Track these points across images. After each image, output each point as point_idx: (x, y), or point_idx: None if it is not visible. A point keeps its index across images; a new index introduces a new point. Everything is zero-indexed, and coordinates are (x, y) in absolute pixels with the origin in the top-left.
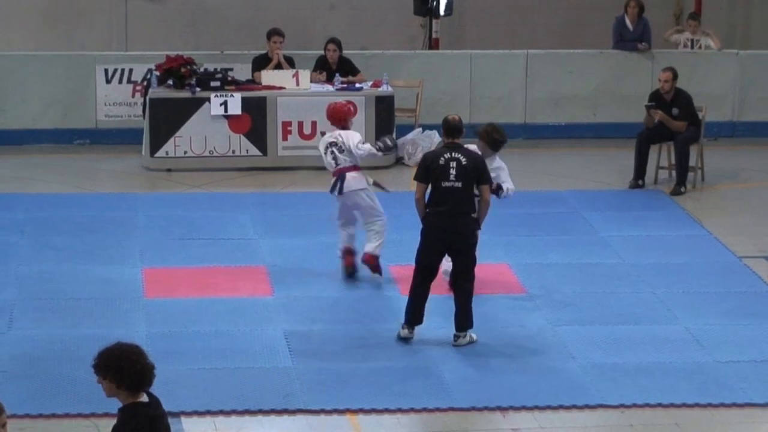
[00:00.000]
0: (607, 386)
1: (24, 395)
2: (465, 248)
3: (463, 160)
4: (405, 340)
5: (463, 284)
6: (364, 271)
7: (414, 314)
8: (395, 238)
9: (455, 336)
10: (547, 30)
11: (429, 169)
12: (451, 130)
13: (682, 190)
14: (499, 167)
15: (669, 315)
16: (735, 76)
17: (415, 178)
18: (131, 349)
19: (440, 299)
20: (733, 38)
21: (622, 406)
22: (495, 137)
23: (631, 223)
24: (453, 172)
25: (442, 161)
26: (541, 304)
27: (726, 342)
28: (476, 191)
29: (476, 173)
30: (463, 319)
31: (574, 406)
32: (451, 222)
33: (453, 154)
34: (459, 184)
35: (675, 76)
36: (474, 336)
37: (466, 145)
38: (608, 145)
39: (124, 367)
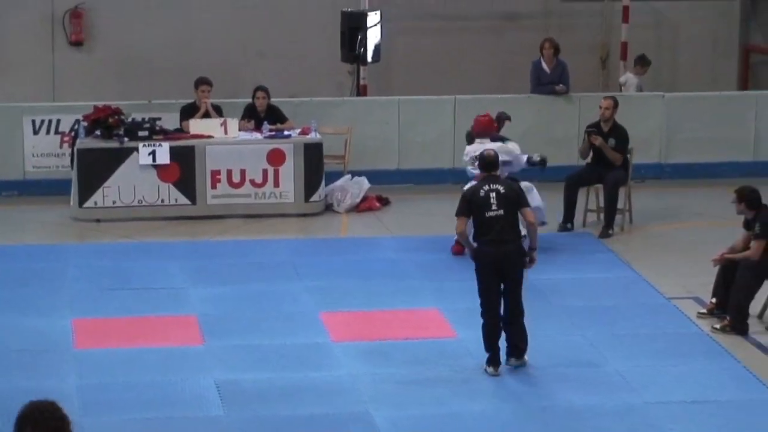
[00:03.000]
0: (537, 429)
1: None
2: (516, 276)
3: (502, 189)
4: (494, 376)
5: (518, 320)
6: (295, 321)
7: (495, 353)
8: (324, 285)
9: (513, 361)
10: (474, 74)
11: (471, 203)
12: (488, 164)
13: (611, 232)
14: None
15: (599, 357)
16: (661, 119)
17: (457, 214)
18: (44, 406)
19: (372, 345)
20: (660, 81)
21: None
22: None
23: (560, 265)
24: (494, 201)
25: (482, 193)
26: (472, 349)
27: (656, 383)
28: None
29: (516, 199)
30: (525, 346)
31: None
32: (501, 248)
33: (491, 185)
34: (501, 212)
35: (616, 104)
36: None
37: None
38: (537, 188)
39: (39, 425)
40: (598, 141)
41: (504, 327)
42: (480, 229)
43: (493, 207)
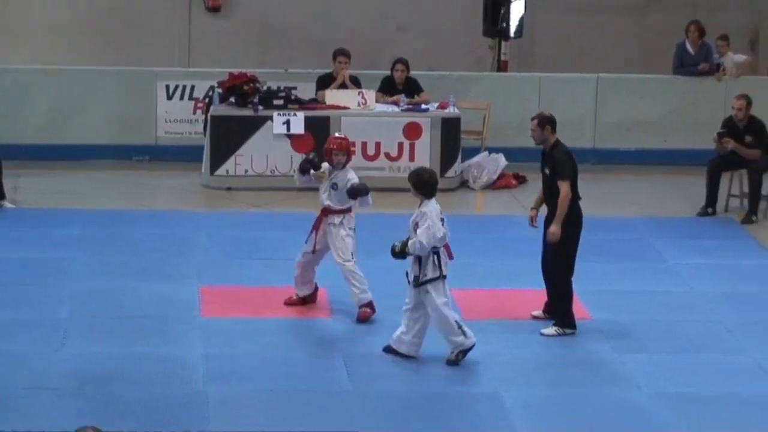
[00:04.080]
0: (674, 416)
1: (75, 414)
2: None
3: None
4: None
5: None
6: None
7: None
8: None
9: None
10: (617, 54)
11: (575, 167)
12: None
13: (754, 218)
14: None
15: (738, 345)
16: None
17: (567, 177)
18: None
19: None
20: None
21: None
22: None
23: (701, 251)
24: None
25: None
26: (607, 332)
27: None
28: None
29: None
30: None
31: None
32: None
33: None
34: None
35: (749, 103)
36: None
37: None
38: (679, 172)
39: None
40: (730, 145)
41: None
42: (576, 192)
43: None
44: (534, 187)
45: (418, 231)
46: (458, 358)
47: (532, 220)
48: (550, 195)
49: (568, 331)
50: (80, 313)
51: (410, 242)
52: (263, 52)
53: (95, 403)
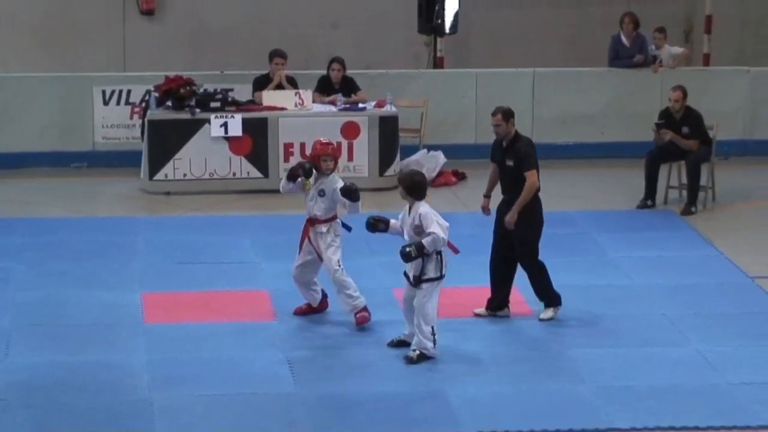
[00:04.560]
0: (618, 409)
1: (23, 424)
2: None
3: None
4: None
5: None
6: (369, 297)
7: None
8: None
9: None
10: (553, 48)
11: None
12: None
13: (693, 210)
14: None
15: (680, 337)
16: (746, 94)
17: (534, 168)
18: None
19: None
20: (744, 55)
21: (634, 429)
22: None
23: (641, 243)
24: None
25: None
26: (550, 326)
27: (739, 364)
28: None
29: None
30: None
31: (584, 430)
32: None
33: None
34: None
35: (685, 94)
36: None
37: None
38: (617, 165)
39: None
40: (668, 136)
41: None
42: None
43: None
44: (474, 184)
45: (431, 228)
46: (417, 360)
47: (485, 209)
48: (512, 185)
49: (559, 308)
50: (23, 322)
51: (426, 241)
52: (198, 54)
53: (42, 412)
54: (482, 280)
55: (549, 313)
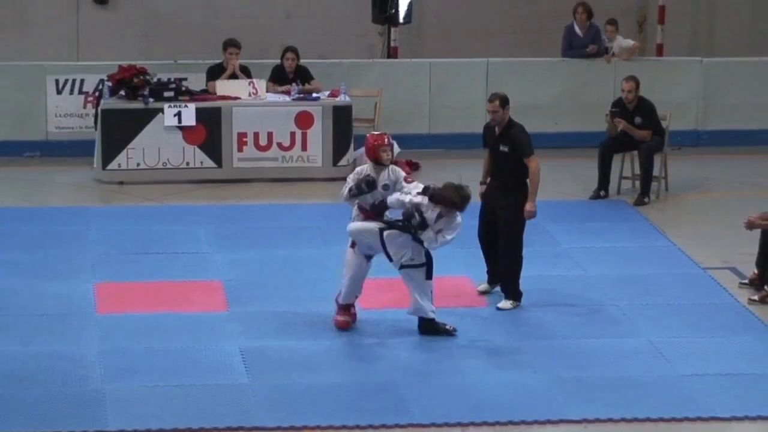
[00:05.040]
0: (570, 400)
1: None
2: None
3: None
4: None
5: None
6: (321, 287)
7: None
8: None
9: None
10: (507, 38)
11: None
12: None
13: (646, 200)
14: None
15: (632, 328)
16: (699, 84)
17: (533, 153)
18: None
19: (399, 313)
20: (697, 45)
21: (585, 420)
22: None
23: (594, 234)
24: None
25: None
26: (503, 317)
27: (690, 355)
28: None
29: None
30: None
31: (536, 421)
32: None
33: None
34: None
35: (638, 85)
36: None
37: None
38: (570, 155)
39: None
40: (621, 125)
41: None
42: None
43: None
44: (427, 174)
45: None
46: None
47: (484, 197)
48: (507, 172)
49: (518, 304)
50: None
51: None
52: (152, 43)
53: None
54: (436, 269)
55: (508, 304)
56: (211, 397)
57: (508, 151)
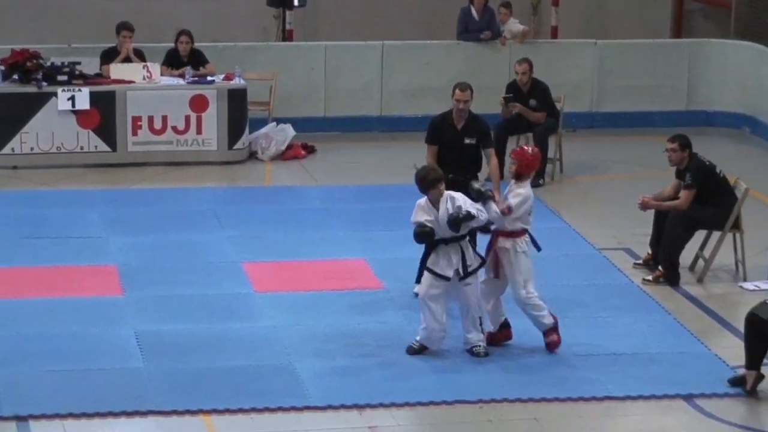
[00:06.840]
0: (467, 381)
1: None
2: None
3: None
4: None
5: None
6: (217, 271)
7: None
8: (247, 234)
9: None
10: (402, 20)
11: None
12: None
13: (541, 182)
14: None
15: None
16: (593, 66)
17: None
18: None
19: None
20: (591, 28)
21: (481, 401)
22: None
23: None
24: None
25: None
26: (399, 300)
27: (584, 335)
28: None
29: None
30: None
31: (432, 402)
32: None
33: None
34: None
35: (531, 67)
36: None
37: None
38: None
39: None
40: (516, 109)
41: None
42: None
43: None
44: (323, 158)
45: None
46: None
47: None
48: (472, 165)
49: None
50: None
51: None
52: (45, 26)
53: None
54: (330, 253)
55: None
56: (106, 382)
57: (475, 143)
